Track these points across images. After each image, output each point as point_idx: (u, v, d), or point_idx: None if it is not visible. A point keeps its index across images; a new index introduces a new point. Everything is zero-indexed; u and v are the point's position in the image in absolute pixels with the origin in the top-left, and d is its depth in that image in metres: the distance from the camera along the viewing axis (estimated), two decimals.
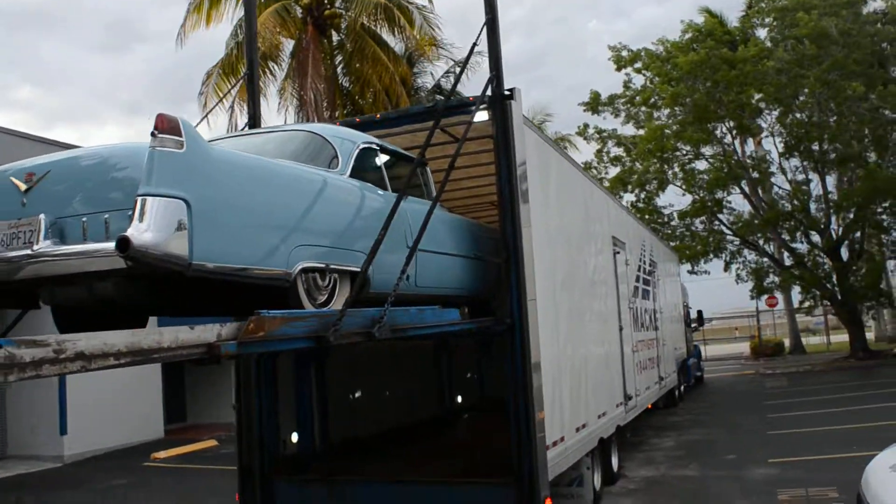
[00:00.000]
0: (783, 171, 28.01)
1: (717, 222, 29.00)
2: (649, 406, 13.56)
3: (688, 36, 26.84)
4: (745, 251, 29.46)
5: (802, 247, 28.35)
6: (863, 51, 23.75)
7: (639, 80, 28.59)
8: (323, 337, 4.40)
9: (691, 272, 28.63)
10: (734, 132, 28.16)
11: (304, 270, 4.54)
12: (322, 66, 18.98)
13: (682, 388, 19.40)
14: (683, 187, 28.54)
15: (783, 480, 9.39)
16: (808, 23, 23.10)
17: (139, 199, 3.56)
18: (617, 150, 29.80)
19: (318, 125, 6.27)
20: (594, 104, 28.69)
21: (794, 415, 15.14)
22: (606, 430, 9.48)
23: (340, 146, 5.51)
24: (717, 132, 27.71)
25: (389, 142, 6.56)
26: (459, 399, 12.48)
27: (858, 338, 27.49)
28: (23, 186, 4.03)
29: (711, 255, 28.76)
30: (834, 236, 27.02)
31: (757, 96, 25.69)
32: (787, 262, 29.29)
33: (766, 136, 28.83)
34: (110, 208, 3.78)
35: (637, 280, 13.25)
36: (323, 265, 4.72)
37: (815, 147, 26.16)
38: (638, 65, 27.81)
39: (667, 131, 27.37)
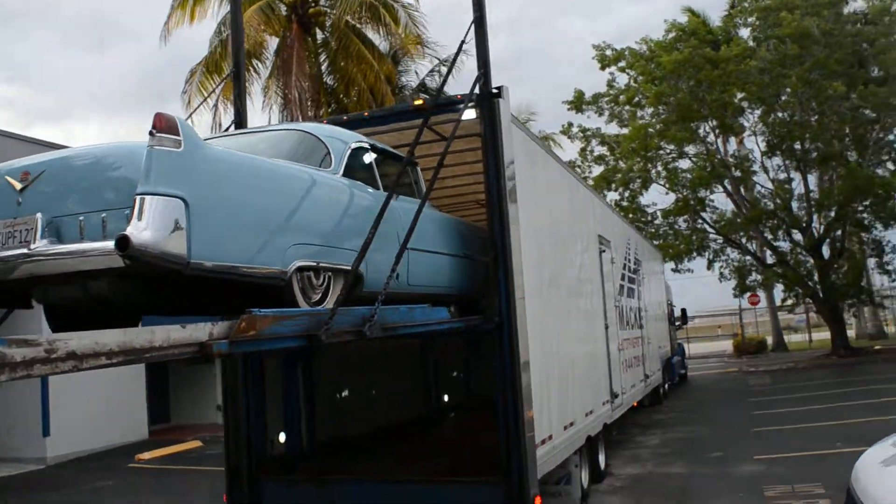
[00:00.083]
0: (765, 170, 28.30)
1: (700, 221, 29.16)
2: (635, 404, 13.61)
3: (671, 35, 26.97)
4: (728, 250, 29.65)
5: (785, 245, 28.64)
6: (844, 50, 23.97)
7: (622, 80, 28.78)
8: (315, 336, 4.40)
9: (675, 270, 28.82)
10: (717, 131, 28.33)
11: (300, 269, 4.56)
12: (307, 64, 18.91)
13: (667, 385, 19.51)
14: (667, 186, 28.70)
15: (769, 477, 9.45)
16: (791, 22, 23.28)
17: (138, 197, 3.56)
18: (601, 149, 29.95)
19: (310, 124, 6.25)
20: (578, 103, 28.80)
21: (778, 412, 15.25)
22: (594, 428, 9.49)
23: (333, 146, 5.53)
24: (700, 131, 27.87)
25: (377, 140, 6.54)
26: (446, 398, 12.47)
27: (840, 335, 27.75)
28: (18, 185, 4.02)
29: (695, 254, 28.92)
30: (816, 234, 27.25)
31: (739, 95, 25.85)
32: (770, 260, 29.52)
33: (749, 136, 29.07)
34: (107, 207, 3.77)
35: (622, 278, 13.30)
36: (318, 264, 4.74)
37: (797, 146, 26.38)
38: (622, 64, 27.95)
39: (650, 130, 27.49)
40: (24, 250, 3.80)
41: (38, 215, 3.85)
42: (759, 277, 29.55)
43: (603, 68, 28.18)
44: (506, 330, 6.57)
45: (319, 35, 20.86)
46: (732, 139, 30.72)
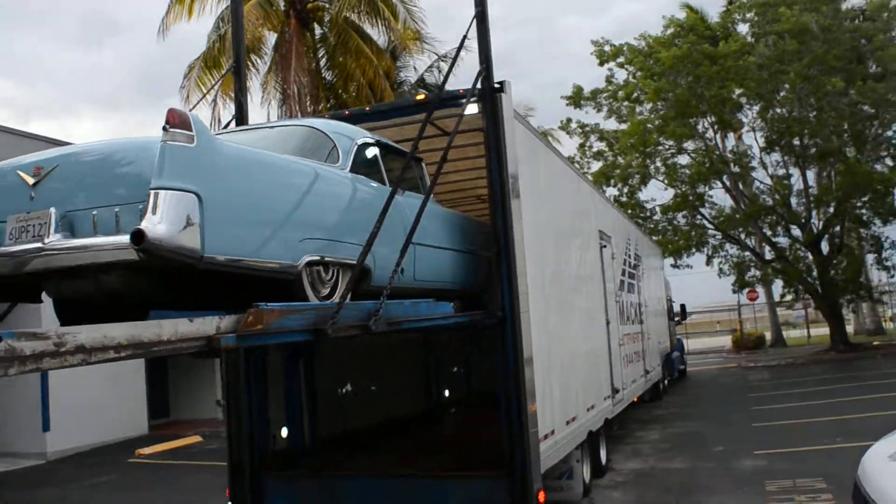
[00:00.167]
0: (764, 166, 28.28)
1: (699, 217, 29.17)
2: (635, 399, 13.62)
3: (670, 31, 26.93)
4: (728, 245, 29.65)
5: (784, 241, 28.64)
6: (842, 46, 23.96)
7: (621, 75, 28.74)
8: (321, 330, 4.43)
9: (674, 266, 28.81)
10: (716, 127, 28.33)
11: (309, 264, 4.61)
12: (305, 59, 18.85)
13: (666, 381, 19.53)
14: (666, 182, 28.67)
15: (770, 472, 9.46)
16: (790, 18, 23.25)
17: (152, 192, 3.60)
18: (599, 145, 29.94)
19: (318, 120, 6.26)
20: (577, 98, 28.77)
21: (777, 407, 15.27)
22: (595, 423, 9.50)
23: (340, 141, 5.57)
24: (699, 127, 27.86)
25: (378, 135, 6.54)
26: (448, 393, 12.48)
27: (839, 331, 27.79)
28: (31, 180, 4.04)
29: (694, 250, 28.93)
30: (814, 230, 27.26)
31: (738, 91, 25.85)
32: (769, 256, 29.54)
33: (748, 131, 29.06)
34: (120, 202, 3.80)
35: (623, 274, 13.30)
36: (327, 258, 4.79)
37: (796, 142, 26.37)
38: (620, 59, 27.90)
39: (649, 126, 27.48)
40: (38, 244, 3.82)
41: (52, 210, 3.88)
42: (757, 273, 29.57)
43: (602, 64, 28.16)
44: (509, 325, 6.58)
45: (318, 30, 20.79)
46: (731, 135, 30.71)
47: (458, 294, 6.97)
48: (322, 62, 20.71)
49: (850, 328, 33.22)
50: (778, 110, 26.40)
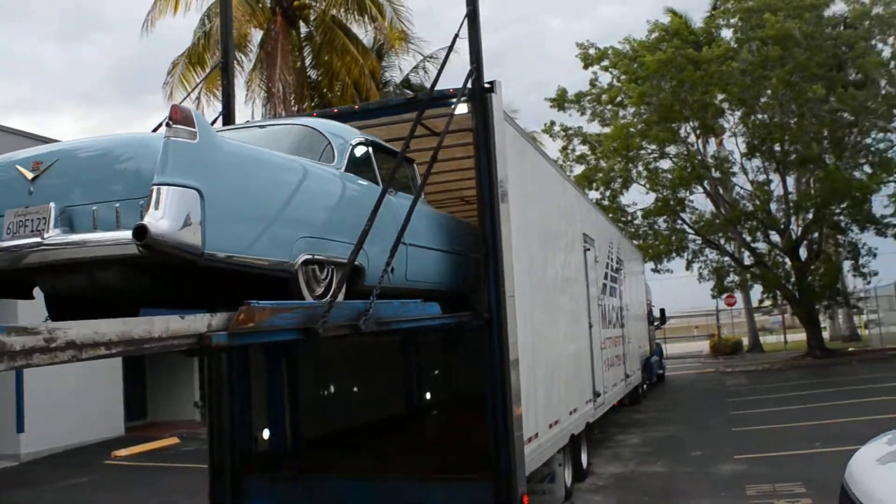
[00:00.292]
0: (745, 172, 28.51)
1: (679, 221, 29.34)
2: (616, 403, 13.65)
3: (654, 35, 27.08)
4: (707, 250, 29.86)
5: (763, 246, 28.87)
6: (824, 53, 24.20)
7: (604, 79, 28.85)
8: (311, 329, 4.40)
9: (655, 270, 28.97)
10: (698, 132, 28.51)
11: (305, 262, 4.62)
12: (291, 57, 18.75)
13: (646, 385, 19.60)
14: (647, 186, 28.83)
15: (750, 476, 9.49)
16: (774, 24, 23.43)
17: (155, 188, 3.60)
18: (582, 148, 30.02)
19: (313, 119, 6.23)
20: (561, 100, 28.83)
21: (756, 412, 15.36)
22: (577, 427, 9.49)
23: (335, 141, 5.58)
24: (681, 132, 28.02)
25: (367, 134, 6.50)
26: (430, 395, 12.44)
27: (816, 337, 28.04)
28: (29, 175, 4.02)
29: (674, 254, 29.10)
30: (793, 236, 27.50)
31: (720, 97, 26.02)
32: (748, 261, 29.76)
33: (729, 137, 29.27)
34: (121, 198, 3.80)
35: (605, 277, 13.32)
36: (322, 257, 4.81)
37: (777, 148, 26.60)
38: (605, 63, 28.00)
39: (632, 130, 27.60)
40: (37, 239, 3.81)
41: (51, 205, 3.86)
42: (736, 279, 29.79)
43: (586, 67, 28.24)
44: (495, 326, 6.54)
45: (304, 28, 20.70)
46: (713, 140, 30.92)
47: (447, 295, 6.94)
48: (307, 61, 20.63)
49: (826, 334, 33.57)
50: (759, 116, 26.63)
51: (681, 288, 35.87)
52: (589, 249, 11.53)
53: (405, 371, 11.86)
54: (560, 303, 9.37)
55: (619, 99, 27.98)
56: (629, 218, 29.27)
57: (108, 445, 15.00)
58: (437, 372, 13.29)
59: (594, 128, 29.74)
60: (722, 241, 29.65)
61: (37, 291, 4.61)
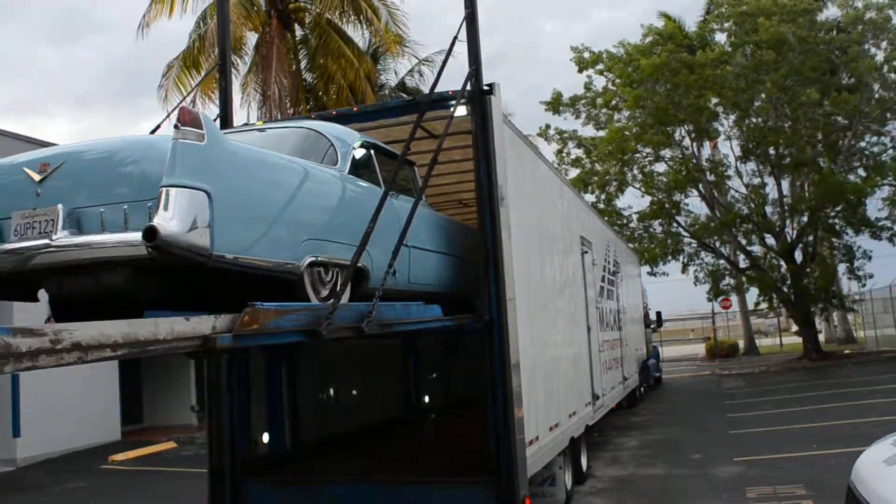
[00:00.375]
0: (739, 175, 28.54)
1: (674, 224, 29.38)
2: (614, 406, 13.65)
3: (648, 39, 27.15)
4: (703, 253, 29.90)
5: (758, 249, 28.92)
6: (818, 57, 24.28)
7: (599, 82, 28.90)
8: (315, 331, 4.40)
9: (651, 274, 29.00)
10: (692, 135, 28.55)
11: (311, 264, 4.63)
12: (286, 60, 18.72)
13: (643, 388, 19.61)
14: (642, 189, 28.87)
15: (750, 478, 9.49)
16: (768, 28, 23.52)
17: (164, 189, 3.60)
18: (577, 152, 30.06)
19: (316, 122, 6.24)
20: (556, 104, 28.85)
21: (753, 414, 15.37)
22: (577, 430, 9.49)
23: (338, 143, 5.60)
24: (676, 135, 28.08)
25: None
26: (429, 398, 12.43)
27: (811, 339, 28.07)
28: (37, 177, 4.02)
29: (669, 257, 29.14)
30: (788, 239, 27.54)
31: (715, 100, 26.10)
32: (743, 264, 29.81)
33: (724, 140, 29.30)
34: (128, 200, 3.80)
35: (602, 280, 13.33)
36: (327, 259, 4.82)
37: (771, 151, 26.65)
38: (600, 66, 28.07)
39: (627, 133, 27.65)
40: (45, 241, 3.80)
41: (59, 206, 3.86)
42: (732, 282, 29.83)
43: (581, 70, 28.29)
44: (496, 329, 6.55)
45: (299, 31, 20.68)
46: (707, 143, 30.99)
47: (449, 297, 6.94)
48: (303, 63, 20.60)
49: (821, 337, 33.65)
50: (754, 120, 26.68)
51: (676, 291, 35.91)
52: (586, 252, 11.54)
53: (405, 374, 11.85)
54: (559, 305, 9.37)
55: (613, 102, 28.05)
56: (625, 221, 29.33)
57: (105, 450, 14.93)
58: (436, 375, 13.28)
59: (589, 131, 29.82)
60: (717, 245, 29.70)
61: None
